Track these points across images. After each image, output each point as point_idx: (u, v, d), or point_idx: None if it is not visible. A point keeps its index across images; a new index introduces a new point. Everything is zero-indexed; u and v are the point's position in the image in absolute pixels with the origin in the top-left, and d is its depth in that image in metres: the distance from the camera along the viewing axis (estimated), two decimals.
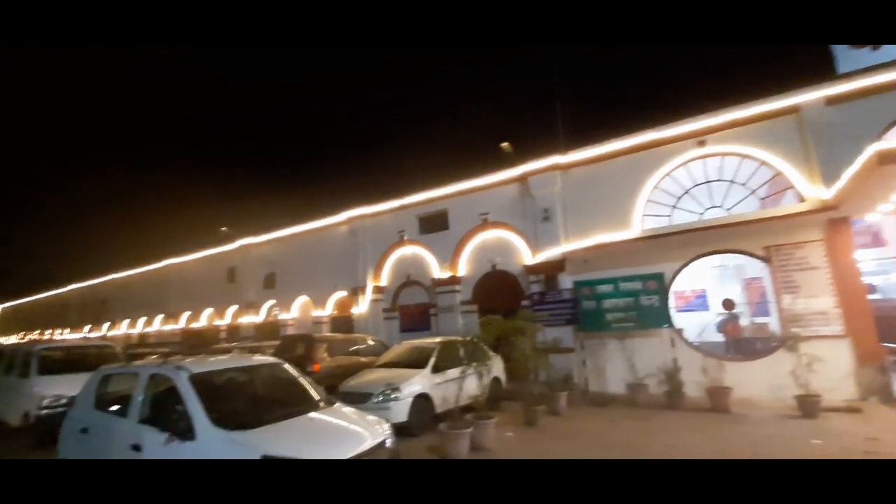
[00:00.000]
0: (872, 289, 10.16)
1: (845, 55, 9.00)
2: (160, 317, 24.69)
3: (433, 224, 14.28)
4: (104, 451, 4.21)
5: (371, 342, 11.04)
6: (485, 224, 13.01)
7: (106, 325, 29.16)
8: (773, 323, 9.81)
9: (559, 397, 8.46)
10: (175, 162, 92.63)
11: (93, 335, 29.30)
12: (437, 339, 8.87)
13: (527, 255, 12.03)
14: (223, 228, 20.04)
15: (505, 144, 11.98)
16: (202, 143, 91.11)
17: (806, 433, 6.29)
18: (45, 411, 6.85)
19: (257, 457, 3.26)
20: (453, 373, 7.49)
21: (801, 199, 8.86)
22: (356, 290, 15.39)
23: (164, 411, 3.83)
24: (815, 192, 8.64)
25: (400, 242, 14.89)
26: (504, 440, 6.66)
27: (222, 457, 3.32)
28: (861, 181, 6.71)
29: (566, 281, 11.12)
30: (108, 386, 4.89)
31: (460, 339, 7.87)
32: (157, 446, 3.64)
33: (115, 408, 4.45)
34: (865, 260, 9.90)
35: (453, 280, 13.23)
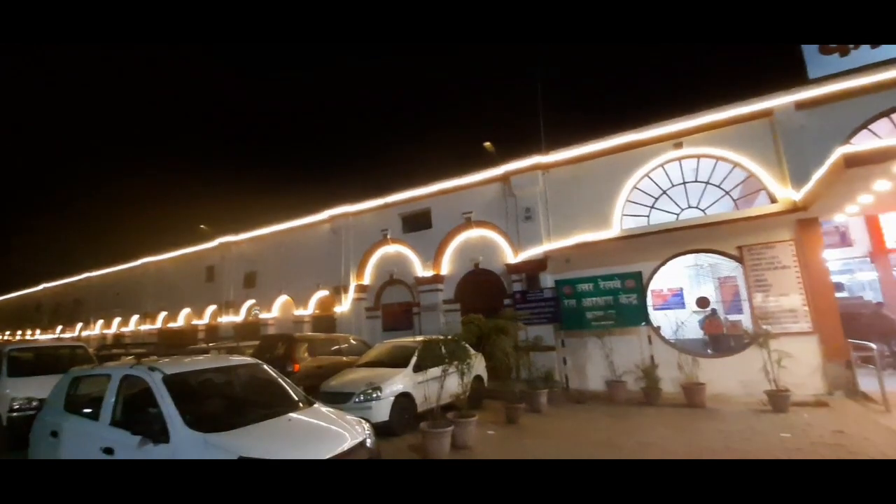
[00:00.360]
0: (839, 287, 10.55)
1: (816, 60, 9.25)
2: (136, 317, 24.09)
3: (416, 223, 14.26)
4: (75, 455, 4.08)
5: (353, 341, 10.98)
6: (468, 223, 13.05)
7: (79, 326, 28.31)
8: (745, 320, 10.10)
9: (540, 395, 8.56)
10: (153, 157, 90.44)
11: (66, 336, 28.40)
12: (420, 338, 8.86)
13: (509, 255, 12.12)
14: (202, 226, 19.66)
15: (487, 144, 12.05)
16: (181, 138, 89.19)
17: (776, 427, 6.51)
18: (16, 414, 6.71)
19: (234, 459, 3.21)
20: (435, 372, 7.47)
21: (773, 201, 9.13)
22: (338, 289, 15.27)
23: (138, 413, 3.74)
24: (785, 193, 8.92)
25: (383, 241, 14.83)
26: (485, 438, 6.71)
27: (197, 459, 3.26)
28: (829, 183, 6.96)
29: (548, 280, 11.25)
30: (79, 388, 4.76)
31: (443, 337, 7.88)
32: (130, 449, 3.55)
33: (86, 410, 4.33)
34: (833, 259, 10.28)
35: (436, 279, 13.25)
